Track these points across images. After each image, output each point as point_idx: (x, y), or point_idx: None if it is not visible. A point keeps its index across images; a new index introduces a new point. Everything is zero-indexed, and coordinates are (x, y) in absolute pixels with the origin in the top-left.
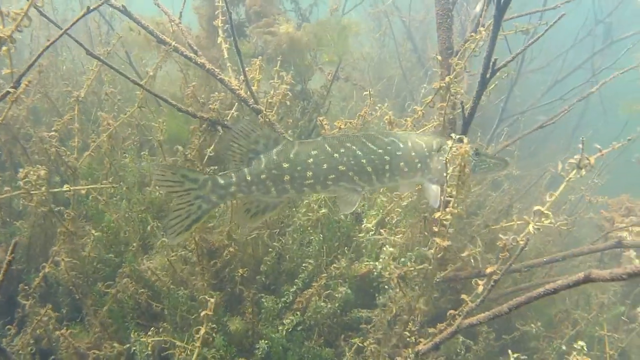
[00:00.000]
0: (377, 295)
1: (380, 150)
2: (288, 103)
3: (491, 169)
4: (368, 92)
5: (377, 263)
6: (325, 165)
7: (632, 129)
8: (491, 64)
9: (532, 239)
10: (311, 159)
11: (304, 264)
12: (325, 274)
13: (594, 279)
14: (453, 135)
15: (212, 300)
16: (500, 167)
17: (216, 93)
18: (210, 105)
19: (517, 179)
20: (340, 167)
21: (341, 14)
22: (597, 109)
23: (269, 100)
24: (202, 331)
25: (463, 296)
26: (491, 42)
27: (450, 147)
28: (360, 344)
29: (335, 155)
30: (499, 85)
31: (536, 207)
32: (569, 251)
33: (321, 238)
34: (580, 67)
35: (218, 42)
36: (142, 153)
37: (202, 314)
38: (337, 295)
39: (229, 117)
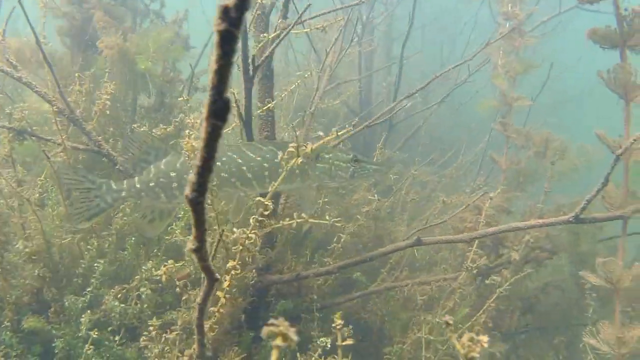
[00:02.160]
0: None
1: (259, 158)
2: (108, 112)
3: (371, 175)
4: (184, 99)
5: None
6: None
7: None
8: (250, 61)
9: None
10: None
11: (95, 265)
12: (138, 276)
13: None
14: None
15: None
16: (382, 172)
17: (21, 104)
18: (14, 115)
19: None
20: (222, 174)
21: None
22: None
23: (96, 111)
24: None
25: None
26: (243, 41)
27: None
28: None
29: (218, 163)
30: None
31: (257, 198)
32: (376, 251)
33: (133, 241)
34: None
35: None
36: None
37: None
38: (143, 296)
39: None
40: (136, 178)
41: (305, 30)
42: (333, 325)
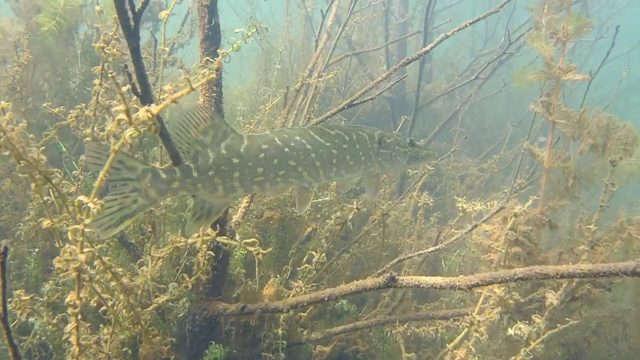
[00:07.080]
0: None
1: (328, 144)
2: (18, 89)
3: (423, 159)
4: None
5: None
6: (276, 161)
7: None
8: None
9: None
10: (262, 154)
11: None
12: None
13: None
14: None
15: None
16: (431, 157)
17: None
18: None
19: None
20: (290, 162)
21: None
22: None
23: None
24: None
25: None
26: None
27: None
28: None
29: (286, 149)
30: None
31: None
32: (337, 289)
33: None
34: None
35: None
36: None
37: None
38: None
39: None
40: (192, 165)
41: None
42: None
